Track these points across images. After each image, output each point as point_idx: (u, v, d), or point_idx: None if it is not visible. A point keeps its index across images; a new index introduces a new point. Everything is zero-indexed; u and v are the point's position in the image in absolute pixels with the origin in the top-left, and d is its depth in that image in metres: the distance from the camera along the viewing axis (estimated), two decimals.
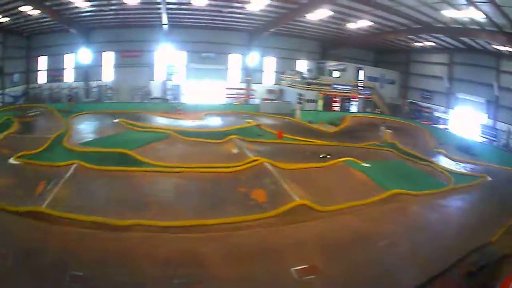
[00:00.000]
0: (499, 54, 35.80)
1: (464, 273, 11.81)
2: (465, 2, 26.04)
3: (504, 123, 35.24)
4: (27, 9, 35.99)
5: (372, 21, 36.75)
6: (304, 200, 17.25)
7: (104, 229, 15.12)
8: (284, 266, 12.57)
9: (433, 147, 32.41)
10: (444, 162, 28.61)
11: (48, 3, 35.16)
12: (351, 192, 19.75)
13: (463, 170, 26.66)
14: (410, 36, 40.69)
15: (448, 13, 29.09)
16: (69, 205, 16.98)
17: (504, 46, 31.82)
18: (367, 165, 23.35)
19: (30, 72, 51.88)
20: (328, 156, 27.70)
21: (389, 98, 48.55)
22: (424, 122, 41.70)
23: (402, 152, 28.36)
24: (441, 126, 40.60)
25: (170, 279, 11.94)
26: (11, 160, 24.31)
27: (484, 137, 35.22)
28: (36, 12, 37.64)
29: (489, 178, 24.31)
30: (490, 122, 36.71)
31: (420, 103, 46.78)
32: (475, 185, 22.78)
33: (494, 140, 34.24)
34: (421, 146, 31.79)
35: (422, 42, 42.50)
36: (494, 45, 33.82)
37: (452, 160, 29.15)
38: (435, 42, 41.09)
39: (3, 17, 38.53)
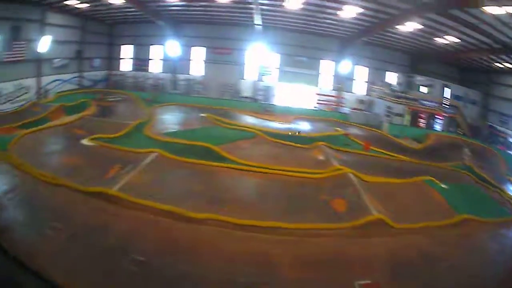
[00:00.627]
0: None
1: None
2: None
3: None
4: None
5: (458, 38, 36.66)
6: (380, 215, 17.35)
7: (177, 219, 15.67)
8: (349, 278, 12.82)
9: (504, 174, 31.85)
10: None
11: None
12: (425, 212, 19.62)
13: None
14: (492, 56, 40.11)
15: None
16: (142, 192, 17.74)
17: None
18: (444, 186, 23.39)
19: (113, 59, 54.69)
20: (297, 133, 30.72)
21: (470, 118, 47.62)
22: (498, 147, 41.03)
23: (476, 176, 27.87)
24: None
25: (236, 276, 12.30)
26: (85, 141, 25.86)
27: None
28: (119, 1, 38.61)
29: None
30: None
31: (497, 126, 45.64)
32: None
33: None
34: (493, 172, 30.94)
35: (502, 64, 41.77)
36: None
37: None
38: None
39: (81, 2, 39.81)
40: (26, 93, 39.13)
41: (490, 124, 47.11)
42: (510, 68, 42.03)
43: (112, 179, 19.29)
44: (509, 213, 22.22)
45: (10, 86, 37.21)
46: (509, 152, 39.63)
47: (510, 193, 26.47)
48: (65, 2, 39.74)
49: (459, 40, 37.46)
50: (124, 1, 38.67)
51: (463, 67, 51.87)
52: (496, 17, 27.98)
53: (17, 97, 37.86)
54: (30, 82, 40.21)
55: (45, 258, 10.85)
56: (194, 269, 12.33)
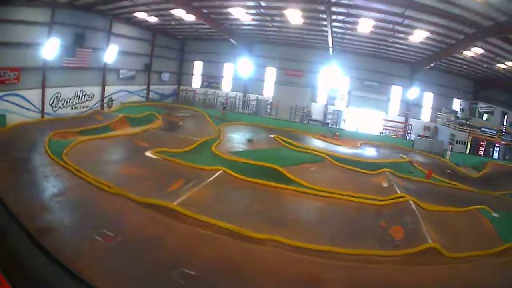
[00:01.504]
0: None
1: None
2: None
3: None
4: (179, 13, 38.00)
5: None
6: (435, 244, 17.20)
7: (235, 237, 15.76)
8: None
9: None
10: None
11: (205, 11, 37.27)
12: (475, 240, 19.32)
13: None
14: None
15: None
16: (203, 208, 18.08)
17: None
18: (495, 214, 23.14)
19: (183, 74, 56.81)
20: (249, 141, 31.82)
21: None
22: None
23: None
24: None
25: None
26: (149, 153, 27.00)
27: None
28: (190, 18, 39.70)
29: None
30: None
31: None
32: None
33: None
34: None
35: None
36: None
37: None
38: None
39: (149, 16, 41.11)
40: (88, 100, 40.95)
41: None
42: None
43: (174, 193, 19.98)
44: None
45: (71, 92, 38.70)
46: None
47: None
48: (134, 14, 41.61)
49: None
50: (195, 18, 39.94)
51: None
52: None
53: (78, 103, 39.65)
54: (94, 90, 42.02)
55: (90, 264, 11.76)
56: (244, 287, 12.43)
